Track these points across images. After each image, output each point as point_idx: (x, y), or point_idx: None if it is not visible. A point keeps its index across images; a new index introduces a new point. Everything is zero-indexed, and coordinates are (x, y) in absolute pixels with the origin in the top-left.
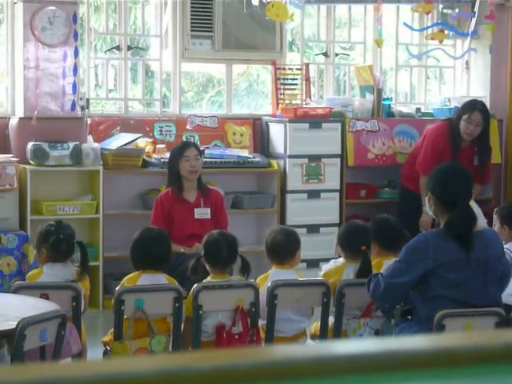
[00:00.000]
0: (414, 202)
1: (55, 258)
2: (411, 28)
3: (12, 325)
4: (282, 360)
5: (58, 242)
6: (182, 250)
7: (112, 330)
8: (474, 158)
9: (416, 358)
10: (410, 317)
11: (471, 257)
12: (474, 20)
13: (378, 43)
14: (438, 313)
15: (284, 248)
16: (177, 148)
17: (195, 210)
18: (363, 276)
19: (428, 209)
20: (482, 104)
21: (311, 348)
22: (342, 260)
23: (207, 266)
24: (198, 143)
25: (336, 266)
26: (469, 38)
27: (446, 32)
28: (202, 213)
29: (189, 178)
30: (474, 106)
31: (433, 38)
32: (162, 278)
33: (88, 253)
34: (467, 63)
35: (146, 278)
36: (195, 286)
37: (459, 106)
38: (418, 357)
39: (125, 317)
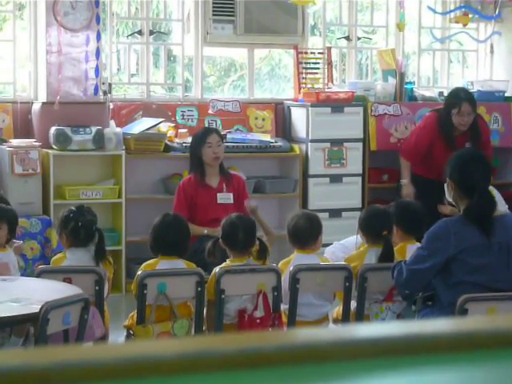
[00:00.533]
0: (426, 187)
1: (75, 243)
2: (434, 11)
3: (36, 308)
4: (304, 343)
5: (77, 229)
6: (206, 232)
7: (133, 313)
8: (465, 144)
9: (439, 341)
10: (430, 303)
11: (493, 241)
12: (498, 3)
13: (400, 27)
14: (461, 297)
15: (306, 233)
16: (199, 134)
17: (218, 194)
18: (385, 261)
19: (447, 195)
20: (466, 92)
21: (334, 331)
22: (350, 241)
23: (226, 249)
24: (220, 128)
25: (358, 251)
26: (492, 21)
27: (469, 15)
28: (225, 198)
29: (211, 164)
30: (460, 97)
31: (457, 22)
32: (180, 264)
33: (109, 240)
34: (492, 47)
35: (164, 264)
36: (217, 269)
37: (482, 89)
38: (441, 340)
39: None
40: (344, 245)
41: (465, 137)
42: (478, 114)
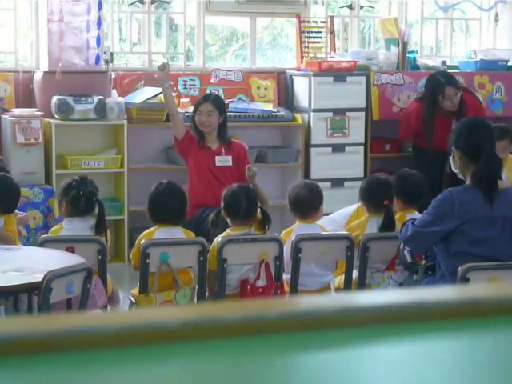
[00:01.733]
0: (425, 157)
1: (74, 212)
2: None
3: (38, 278)
4: (306, 310)
5: (77, 197)
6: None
7: None
8: (451, 123)
9: (441, 308)
10: (430, 272)
11: (496, 214)
12: None
13: None
14: (462, 266)
15: (307, 202)
16: (197, 100)
17: (216, 157)
18: (387, 230)
19: (453, 167)
20: (444, 75)
21: (336, 299)
22: (340, 214)
23: (228, 220)
24: (223, 97)
25: (359, 220)
26: None
27: None
28: (223, 160)
29: (202, 130)
30: (440, 82)
31: None
32: (178, 231)
33: (111, 209)
34: (497, 15)
35: (161, 233)
36: (219, 239)
37: (485, 58)
38: (443, 307)
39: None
40: (332, 218)
41: (455, 114)
42: (465, 89)
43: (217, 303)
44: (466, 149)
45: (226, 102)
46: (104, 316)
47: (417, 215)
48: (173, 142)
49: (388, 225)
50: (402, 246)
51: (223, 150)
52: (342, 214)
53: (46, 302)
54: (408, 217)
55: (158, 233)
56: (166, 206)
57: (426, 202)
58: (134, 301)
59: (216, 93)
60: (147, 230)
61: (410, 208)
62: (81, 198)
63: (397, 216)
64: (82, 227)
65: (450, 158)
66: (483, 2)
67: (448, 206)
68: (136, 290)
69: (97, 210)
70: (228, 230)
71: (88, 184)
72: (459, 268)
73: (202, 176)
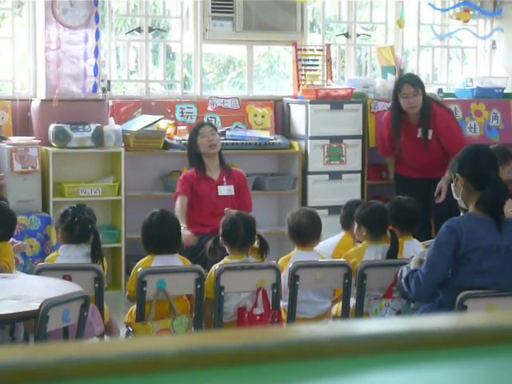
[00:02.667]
0: (407, 186)
1: (69, 239)
2: (435, 8)
3: (35, 306)
4: (304, 339)
5: (72, 224)
6: (183, 227)
7: (131, 309)
8: (417, 132)
9: (438, 337)
10: None
11: (501, 244)
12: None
13: (400, 24)
14: (460, 293)
15: (308, 231)
16: (193, 129)
17: (218, 187)
18: (392, 257)
19: (455, 194)
20: (409, 75)
21: (333, 327)
22: (323, 245)
23: (225, 247)
24: (219, 125)
25: (357, 247)
26: (493, 17)
27: (470, 12)
28: (226, 190)
29: (209, 153)
30: (401, 80)
31: (457, 18)
32: (175, 259)
33: (108, 237)
34: (494, 43)
35: (158, 261)
36: (217, 266)
37: (481, 86)
38: (440, 336)
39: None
40: (319, 250)
41: (416, 127)
42: (436, 101)
43: (214, 332)
44: (471, 175)
45: (223, 129)
46: (101, 345)
47: (415, 242)
48: (169, 169)
49: (395, 251)
50: (399, 273)
51: (225, 179)
52: (327, 245)
53: (42, 331)
54: (406, 244)
55: (156, 261)
56: (161, 236)
57: (421, 228)
58: (131, 329)
59: (213, 121)
60: (144, 259)
61: (407, 235)
62: (75, 225)
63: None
64: (77, 255)
65: (452, 185)
66: (479, 30)
67: (455, 235)
68: (127, 319)
69: (92, 238)
70: (226, 258)
71: (85, 211)
72: (457, 296)
73: (202, 206)
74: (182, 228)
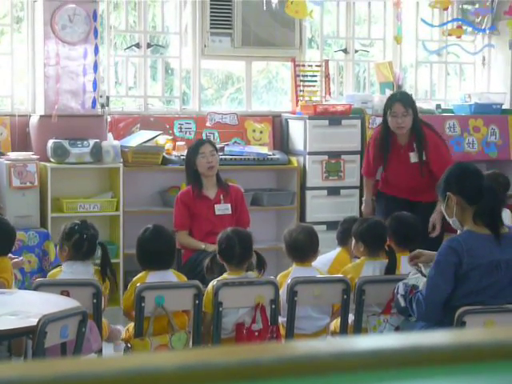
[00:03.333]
0: (391, 205)
1: (76, 256)
2: (428, 24)
3: (33, 322)
4: (302, 355)
5: (81, 241)
6: (203, 247)
7: (128, 326)
8: (409, 157)
9: (437, 353)
10: None
11: (501, 259)
12: (491, 15)
13: (397, 40)
14: (459, 309)
15: (306, 247)
16: (192, 146)
17: (215, 206)
18: (391, 272)
19: (447, 216)
20: (402, 93)
21: (332, 343)
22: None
23: (224, 264)
24: (218, 140)
25: (354, 263)
26: (487, 33)
27: (463, 28)
28: (223, 208)
29: (206, 174)
30: (393, 98)
31: (450, 34)
32: (170, 275)
33: (109, 252)
34: (484, 59)
35: (153, 276)
36: (215, 282)
37: (479, 102)
38: (439, 352)
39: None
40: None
41: (410, 147)
42: (425, 123)
43: (212, 347)
44: (463, 191)
45: (222, 145)
46: (99, 361)
47: None
48: (168, 185)
49: (394, 267)
50: (395, 289)
51: (222, 198)
52: (323, 260)
53: (40, 346)
54: (402, 259)
55: (151, 277)
56: (154, 251)
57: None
58: (129, 345)
59: (211, 136)
60: (139, 275)
61: (404, 250)
62: (84, 241)
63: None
64: (81, 271)
65: (442, 207)
66: (477, 46)
67: (456, 254)
68: (125, 335)
69: (99, 253)
70: (225, 274)
71: (90, 227)
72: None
73: (200, 225)
74: (204, 246)
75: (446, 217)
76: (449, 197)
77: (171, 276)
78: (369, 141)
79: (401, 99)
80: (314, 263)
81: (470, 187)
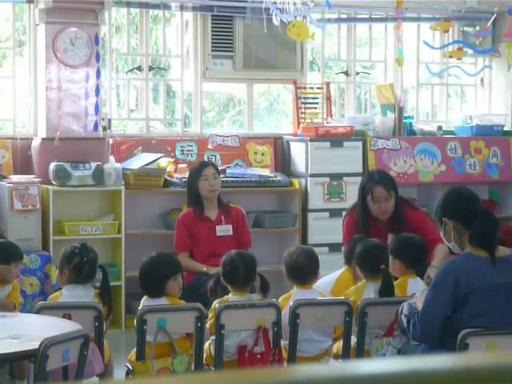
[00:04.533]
0: None
1: (76, 280)
2: (429, 45)
3: (35, 345)
4: (305, 380)
5: (81, 265)
6: (205, 270)
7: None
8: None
9: (439, 377)
10: None
11: (500, 282)
12: (492, 38)
13: (399, 62)
14: (462, 332)
15: (306, 269)
16: (195, 168)
17: (216, 227)
18: (386, 295)
19: (446, 241)
20: (381, 174)
21: (334, 367)
22: (323, 281)
23: (227, 286)
24: (220, 162)
25: (356, 286)
26: (487, 55)
27: (464, 50)
28: (224, 230)
29: (208, 196)
30: (371, 180)
31: (451, 56)
32: (162, 301)
33: (109, 275)
34: (482, 80)
35: (149, 302)
36: (217, 305)
37: (480, 123)
38: (442, 376)
39: (147, 341)
40: (318, 286)
41: (390, 229)
42: (408, 201)
43: (214, 372)
44: (457, 215)
45: (224, 167)
46: None
47: (418, 280)
48: (169, 207)
49: (387, 289)
50: (399, 310)
51: (223, 219)
52: (326, 281)
53: (42, 370)
54: (409, 282)
55: (147, 303)
56: (148, 280)
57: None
58: (131, 368)
59: (213, 158)
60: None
61: (412, 272)
62: (84, 265)
63: (398, 281)
64: (82, 295)
65: (441, 232)
66: (478, 68)
67: (453, 277)
68: (133, 356)
69: (99, 275)
70: (230, 294)
71: (90, 251)
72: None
73: (201, 246)
74: (206, 269)
75: (446, 242)
76: (445, 222)
77: (163, 301)
78: (344, 220)
79: (381, 181)
80: (317, 283)
81: (464, 211)
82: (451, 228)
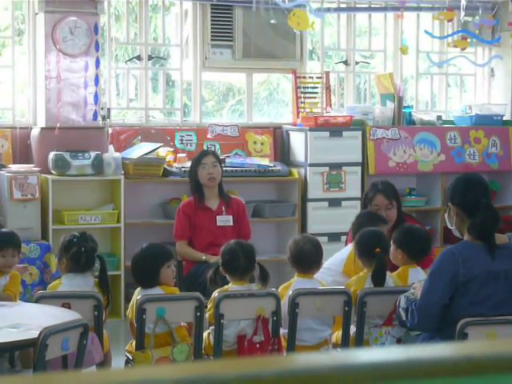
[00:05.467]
0: None
1: (75, 269)
2: (433, 35)
3: (34, 334)
4: (304, 368)
5: (79, 254)
6: (204, 258)
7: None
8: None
9: (439, 366)
10: None
11: (499, 269)
12: (497, 27)
13: (403, 50)
14: (461, 321)
15: (311, 258)
16: (195, 156)
17: (217, 217)
18: (377, 279)
19: (448, 224)
20: (383, 183)
21: (333, 356)
22: (334, 262)
23: (226, 275)
24: (219, 152)
25: (357, 276)
26: (491, 45)
27: (468, 39)
28: (224, 220)
29: (208, 185)
30: (373, 189)
31: (455, 46)
32: (157, 291)
33: (108, 264)
34: (492, 70)
35: (143, 292)
36: (216, 294)
37: (480, 113)
38: (441, 365)
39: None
40: (328, 268)
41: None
42: (410, 214)
43: (213, 360)
44: (462, 204)
45: (223, 156)
46: (98, 375)
47: (419, 270)
48: (169, 197)
49: (379, 274)
50: (397, 302)
51: (224, 209)
52: (337, 261)
53: (41, 359)
54: (410, 272)
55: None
56: (141, 271)
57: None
58: (131, 357)
59: (213, 148)
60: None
61: (413, 262)
62: (82, 254)
63: (399, 270)
64: (80, 283)
65: (446, 214)
66: (478, 58)
67: (452, 265)
68: (131, 346)
69: (97, 265)
70: (230, 283)
71: (88, 240)
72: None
73: (201, 236)
74: (205, 257)
75: (448, 224)
76: (450, 207)
77: (159, 291)
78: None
79: (383, 190)
80: (326, 265)
81: (468, 201)
82: (454, 213)
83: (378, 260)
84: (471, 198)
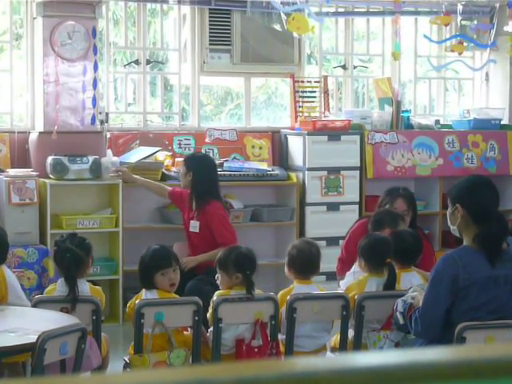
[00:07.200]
0: None
1: (60, 272)
2: (430, 40)
3: (32, 339)
4: (302, 372)
5: (61, 257)
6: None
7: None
8: None
9: (437, 369)
10: None
11: (499, 274)
12: (493, 31)
13: (395, 56)
14: (459, 325)
15: (311, 263)
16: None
17: (190, 221)
18: (390, 287)
19: (450, 222)
20: (406, 189)
21: (331, 360)
22: (358, 270)
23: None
24: (217, 156)
25: (358, 280)
26: (488, 49)
27: (465, 44)
28: (193, 226)
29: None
30: (396, 192)
31: (452, 50)
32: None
33: (106, 269)
34: (487, 74)
35: (145, 293)
36: (215, 298)
37: (478, 117)
38: (439, 368)
39: (144, 332)
40: (354, 271)
41: None
42: (421, 228)
43: (211, 365)
44: (473, 209)
45: (221, 161)
46: (96, 379)
47: (415, 274)
48: (167, 201)
49: (392, 283)
50: (395, 306)
51: (196, 214)
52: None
53: (39, 364)
54: (403, 275)
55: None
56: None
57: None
58: (128, 361)
59: (211, 152)
60: (137, 295)
61: (405, 267)
62: (64, 259)
63: None
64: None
65: (448, 212)
66: (476, 62)
67: (451, 270)
68: (132, 349)
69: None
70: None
71: (66, 241)
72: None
73: (185, 234)
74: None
75: (449, 222)
76: (456, 208)
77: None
78: (352, 230)
79: (405, 196)
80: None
81: (480, 208)
82: (460, 216)
83: (390, 269)
84: (483, 205)
